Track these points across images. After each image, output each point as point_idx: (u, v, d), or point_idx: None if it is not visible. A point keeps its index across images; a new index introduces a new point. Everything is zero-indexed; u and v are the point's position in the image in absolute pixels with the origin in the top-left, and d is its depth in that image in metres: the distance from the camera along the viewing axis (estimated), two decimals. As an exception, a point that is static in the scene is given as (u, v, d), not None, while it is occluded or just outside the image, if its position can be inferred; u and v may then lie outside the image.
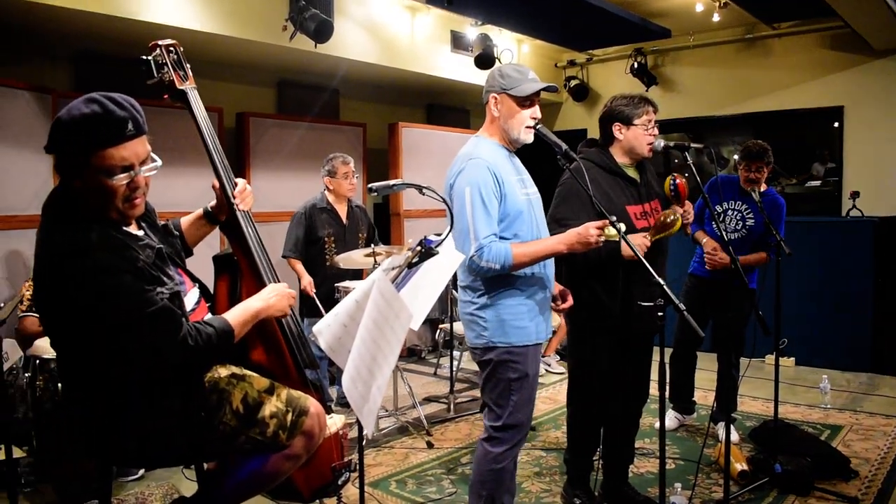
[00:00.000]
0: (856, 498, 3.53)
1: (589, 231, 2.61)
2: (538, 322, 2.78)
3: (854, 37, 6.88)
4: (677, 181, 3.10)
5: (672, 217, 2.91)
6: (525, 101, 2.73)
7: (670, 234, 2.95)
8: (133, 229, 2.08)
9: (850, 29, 6.60)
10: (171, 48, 2.29)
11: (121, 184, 1.91)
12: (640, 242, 2.90)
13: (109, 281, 1.86)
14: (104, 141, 1.86)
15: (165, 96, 2.32)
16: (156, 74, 2.27)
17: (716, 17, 7.18)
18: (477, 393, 5.54)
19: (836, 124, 7.46)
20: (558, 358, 6.40)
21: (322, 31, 5.24)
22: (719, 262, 4.14)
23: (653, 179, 3.35)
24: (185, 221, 2.46)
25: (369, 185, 2.22)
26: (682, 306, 2.42)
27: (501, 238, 2.66)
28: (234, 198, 2.33)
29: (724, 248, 4.13)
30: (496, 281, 2.69)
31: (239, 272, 2.34)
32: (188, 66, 2.33)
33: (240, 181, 2.37)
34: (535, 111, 2.76)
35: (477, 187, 2.61)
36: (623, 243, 2.78)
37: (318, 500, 2.73)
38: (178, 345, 1.94)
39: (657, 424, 3.61)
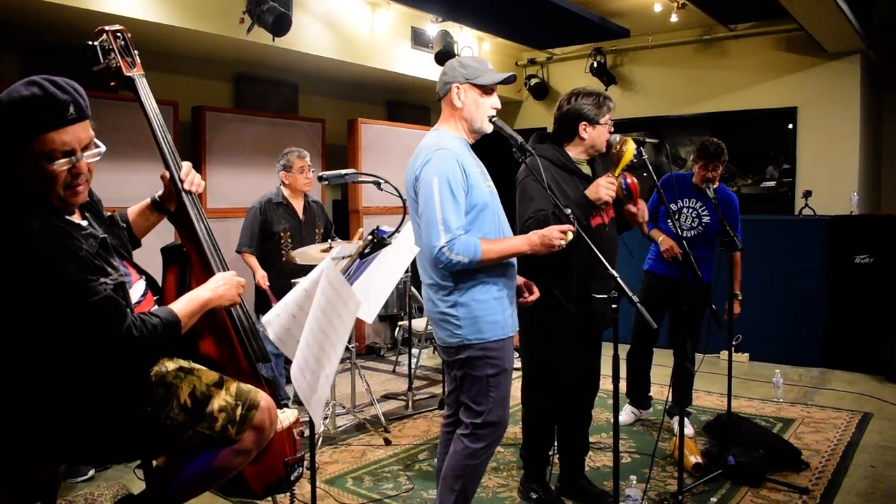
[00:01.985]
0: (806, 488, 3.60)
1: (553, 233, 2.62)
2: (508, 315, 2.76)
3: (808, 39, 7.01)
4: (628, 181, 3.14)
5: (623, 146, 2.99)
6: (487, 91, 2.74)
7: (627, 161, 3.02)
8: (76, 218, 2.03)
9: (804, 31, 6.72)
10: (119, 34, 2.24)
11: (62, 169, 1.86)
12: (605, 182, 2.96)
13: (51, 269, 1.81)
14: (45, 124, 1.81)
15: (112, 83, 2.27)
16: (102, 60, 2.22)
17: (674, 18, 7.27)
18: (436, 390, 5.53)
19: (790, 125, 7.59)
20: (516, 355, 6.41)
21: (280, 25, 5.18)
22: (678, 252, 4.20)
23: (602, 171, 3.36)
24: (132, 211, 2.41)
25: (319, 174, 2.19)
26: (635, 298, 2.44)
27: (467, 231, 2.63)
28: (182, 181, 2.28)
29: (679, 246, 4.16)
30: (465, 277, 2.64)
31: (188, 264, 2.29)
32: (136, 52, 2.28)
33: (185, 164, 2.31)
34: (496, 101, 2.76)
35: (445, 178, 2.56)
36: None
37: (270, 497, 2.69)
38: (122, 335, 1.89)
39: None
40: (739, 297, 4.37)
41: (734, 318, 4.18)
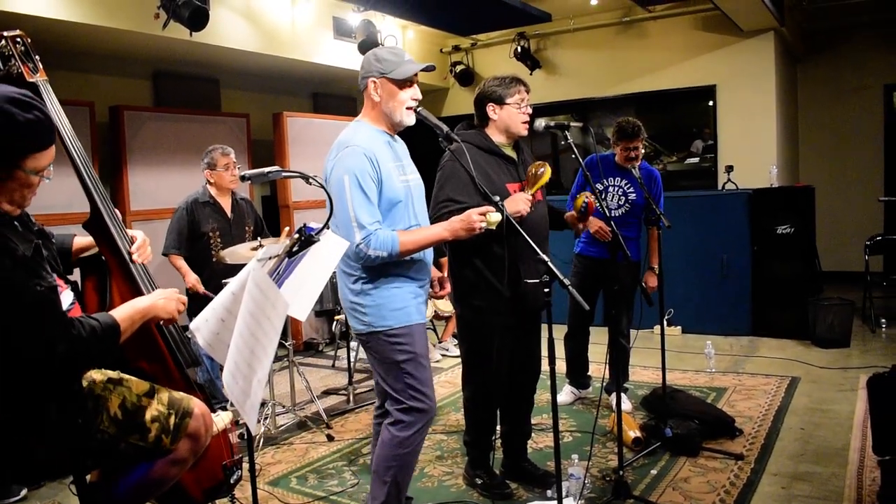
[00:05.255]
0: (741, 454, 3.72)
1: (472, 217, 2.66)
2: (416, 303, 2.79)
3: (723, 18, 7.19)
4: (588, 201, 3.28)
5: (541, 168, 3.07)
6: (405, 83, 2.72)
7: (545, 181, 3.11)
8: None
9: (720, 11, 6.89)
10: (18, 38, 2.20)
11: (37, 181, 1.92)
12: (523, 197, 3.01)
13: None
14: (41, 145, 1.90)
15: (15, 91, 2.18)
16: (2, 67, 2.16)
17: (593, 1, 7.37)
18: (377, 382, 5.50)
19: (711, 102, 7.79)
20: (455, 342, 6.44)
21: (197, 19, 5.04)
22: (609, 234, 4.26)
23: (529, 158, 3.40)
24: (77, 243, 2.36)
25: (242, 174, 2.15)
26: (566, 281, 2.46)
27: None
28: (130, 252, 2.27)
29: (607, 226, 4.22)
30: (373, 267, 2.68)
31: (108, 272, 2.23)
32: (38, 58, 2.23)
33: (137, 235, 2.31)
34: (416, 92, 2.76)
35: (353, 175, 2.59)
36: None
37: (211, 502, 2.64)
38: (63, 334, 1.83)
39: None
40: (656, 271, 4.44)
41: (651, 290, 4.27)
